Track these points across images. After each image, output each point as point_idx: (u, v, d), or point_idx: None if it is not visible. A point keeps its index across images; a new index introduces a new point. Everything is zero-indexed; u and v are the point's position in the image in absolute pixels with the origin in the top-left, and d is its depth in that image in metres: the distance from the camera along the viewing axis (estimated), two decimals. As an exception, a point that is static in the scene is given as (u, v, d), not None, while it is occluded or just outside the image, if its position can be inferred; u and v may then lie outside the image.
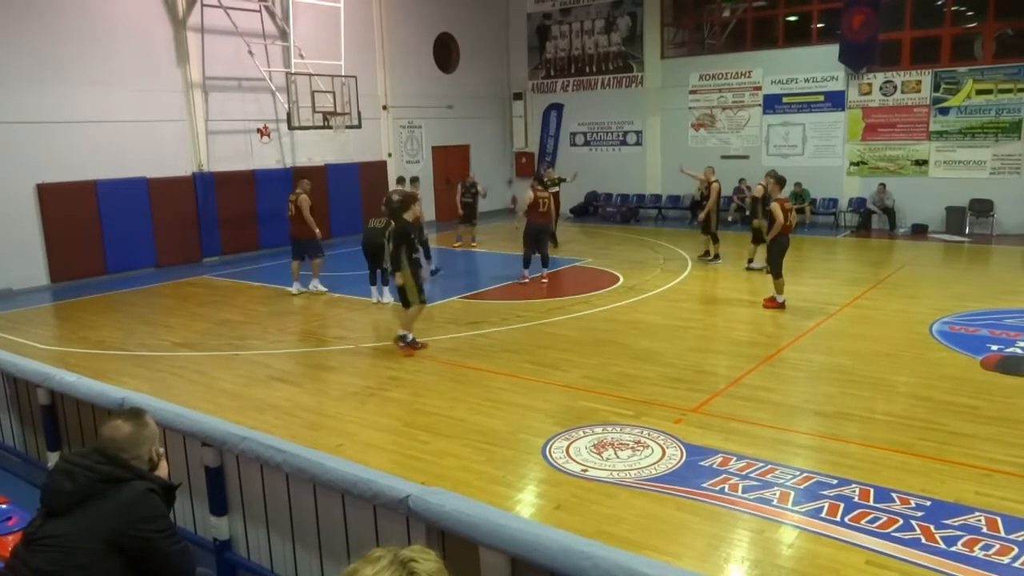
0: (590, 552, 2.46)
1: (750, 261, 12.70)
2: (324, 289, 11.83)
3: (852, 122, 17.58)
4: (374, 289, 11.18)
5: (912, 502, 4.77)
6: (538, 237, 12.17)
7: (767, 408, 6.55)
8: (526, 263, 12.16)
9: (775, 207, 10.00)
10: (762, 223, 11.96)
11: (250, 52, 15.55)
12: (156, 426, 2.89)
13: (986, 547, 4.24)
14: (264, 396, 7.28)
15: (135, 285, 13.33)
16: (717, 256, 13.90)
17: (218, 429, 3.77)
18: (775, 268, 10.09)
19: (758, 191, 12.33)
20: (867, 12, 16.63)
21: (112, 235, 14.07)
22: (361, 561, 1.58)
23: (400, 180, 13.45)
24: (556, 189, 14.80)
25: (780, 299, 10.11)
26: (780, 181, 10.34)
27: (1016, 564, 4.08)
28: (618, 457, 5.62)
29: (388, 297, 11.14)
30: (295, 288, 11.88)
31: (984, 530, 4.41)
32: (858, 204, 17.59)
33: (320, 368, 8.35)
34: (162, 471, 2.85)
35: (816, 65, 17.78)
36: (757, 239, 12.33)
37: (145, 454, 2.74)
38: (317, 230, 11.64)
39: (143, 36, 14.33)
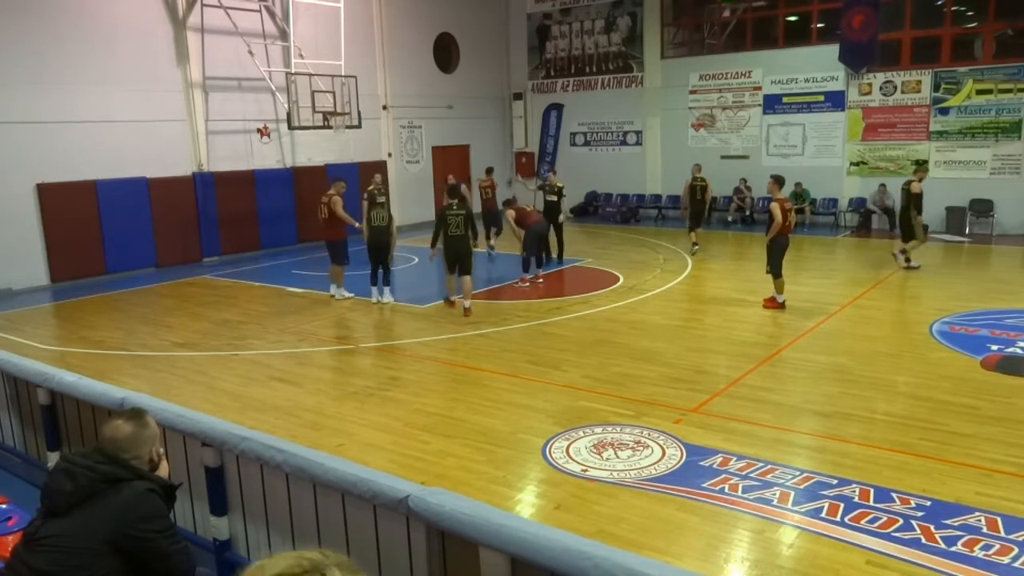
0: (590, 552, 2.46)
1: (908, 260, 12.36)
2: (349, 295, 11.43)
3: (852, 122, 17.57)
4: (374, 289, 11.15)
5: (912, 502, 4.76)
6: (542, 238, 12.13)
7: (767, 408, 6.55)
8: (527, 266, 12.10)
9: (774, 207, 9.96)
10: (919, 220, 12.14)
11: (250, 52, 15.55)
12: (157, 426, 2.89)
13: (986, 547, 4.24)
14: (264, 396, 7.28)
15: (135, 285, 13.33)
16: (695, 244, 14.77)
17: (218, 429, 3.77)
18: (775, 268, 10.06)
19: (915, 188, 12.10)
20: (867, 12, 16.63)
21: (112, 235, 14.07)
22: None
23: (490, 170, 16.02)
24: (554, 198, 14.22)
25: (780, 299, 10.09)
26: (779, 181, 10.28)
27: (1016, 564, 4.08)
28: (618, 457, 5.62)
29: (388, 297, 11.13)
30: (338, 294, 11.46)
31: (984, 530, 4.41)
32: (858, 204, 17.59)
33: (320, 368, 8.35)
34: (163, 471, 2.85)
35: (816, 65, 17.78)
36: (910, 236, 12.25)
37: (145, 454, 2.74)
38: (357, 223, 11.40)
39: (143, 36, 14.33)
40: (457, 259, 10.18)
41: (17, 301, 12.21)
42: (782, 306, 10.01)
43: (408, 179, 20.01)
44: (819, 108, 17.94)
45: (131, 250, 14.39)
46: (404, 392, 7.35)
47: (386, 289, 11.10)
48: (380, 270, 11.04)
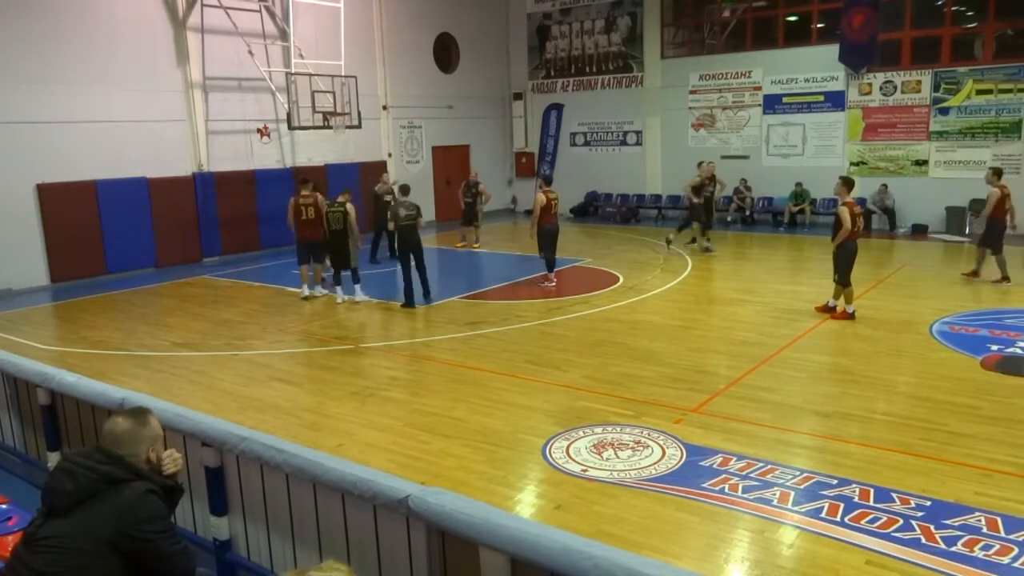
0: (590, 552, 2.46)
1: None
2: (323, 292, 11.74)
3: (852, 122, 17.57)
4: (339, 289, 11.26)
5: (912, 502, 4.77)
6: (554, 237, 12.08)
7: (767, 408, 6.55)
8: (551, 266, 12.02)
9: (843, 211, 9.35)
10: None
11: (250, 52, 15.55)
12: (160, 428, 2.88)
13: (986, 547, 4.24)
14: (264, 396, 7.28)
15: (135, 285, 13.33)
16: (694, 240, 15.02)
17: (218, 429, 3.77)
18: (844, 276, 9.34)
19: None
20: (867, 12, 16.63)
21: (112, 235, 14.08)
22: None
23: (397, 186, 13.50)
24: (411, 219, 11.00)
25: (851, 310, 9.38)
26: (848, 183, 9.72)
27: (1016, 564, 4.08)
28: (618, 457, 5.62)
29: (361, 295, 11.18)
30: (317, 291, 11.72)
31: (984, 530, 4.41)
32: (858, 204, 17.56)
33: (320, 368, 8.35)
34: (171, 468, 2.86)
35: (816, 65, 17.77)
36: None
37: (142, 453, 2.74)
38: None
39: (143, 36, 14.33)
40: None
41: (17, 301, 12.21)
42: (852, 317, 9.34)
43: (408, 179, 19.92)
44: (819, 108, 17.93)
45: (131, 250, 14.40)
46: (404, 392, 7.35)
47: (357, 287, 11.18)
48: (343, 271, 11.20)
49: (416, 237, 10.87)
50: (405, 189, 11.33)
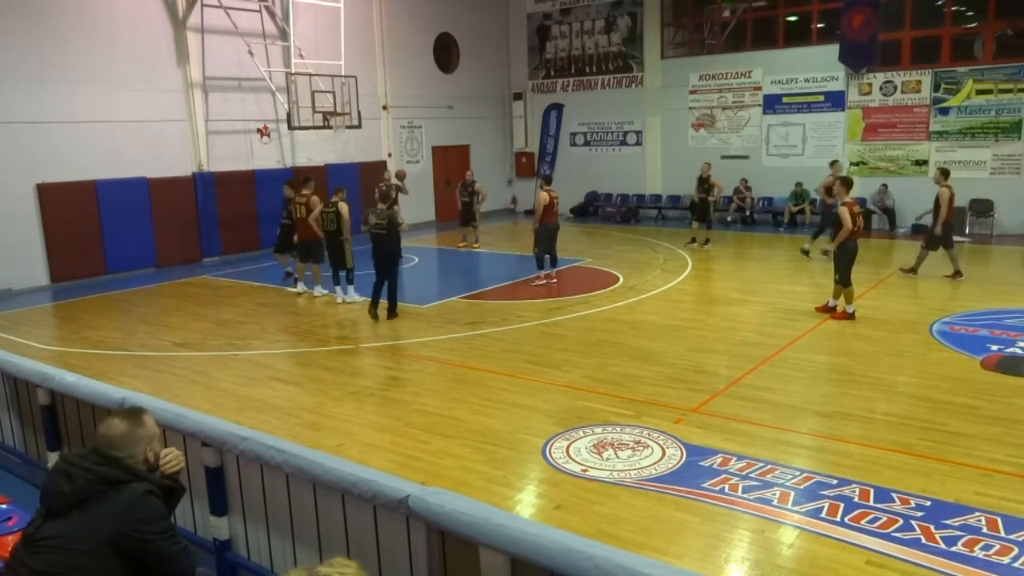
0: (590, 552, 2.46)
1: None
2: (327, 292, 11.77)
3: (852, 122, 17.57)
4: (338, 289, 11.32)
5: (912, 502, 4.76)
6: (553, 236, 12.10)
7: (767, 408, 6.54)
8: (542, 264, 12.06)
9: (843, 211, 9.35)
10: None
11: (250, 52, 15.55)
12: (156, 427, 2.88)
13: (986, 547, 4.23)
14: (264, 396, 7.28)
15: (135, 285, 13.33)
16: (707, 241, 15.45)
17: (218, 429, 3.77)
18: (844, 276, 9.34)
19: None
20: (867, 12, 16.63)
21: (112, 235, 14.08)
22: None
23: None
24: (383, 228, 10.12)
25: (851, 309, 9.38)
26: (847, 183, 9.80)
27: (1016, 564, 4.08)
28: (618, 457, 5.62)
29: (353, 295, 11.21)
30: (318, 291, 11.79)
31: (984, 530, 4.41)
32: (858, 204, 17.56)
33: (320, 368, 8.35)
34: (171, 467, 2.85)
35: (816, 65, 17.78)
36: None
37: (140, 454, 2.72)
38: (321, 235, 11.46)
39: (143, 36, 14.33)
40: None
41: (17, 301, 12.20)
42: (852, 317, 9.34)
43: (408, 179, 19.98)
44: (819, 108, 17.94)
45: (131, 250, 14.40)
46: (404, 392, 7.35)
47: (351, 288, 11.22)
48: (339, 271, 11.21)
49: (383, 248, 9.97)
50: (384, 196, 10.51)
